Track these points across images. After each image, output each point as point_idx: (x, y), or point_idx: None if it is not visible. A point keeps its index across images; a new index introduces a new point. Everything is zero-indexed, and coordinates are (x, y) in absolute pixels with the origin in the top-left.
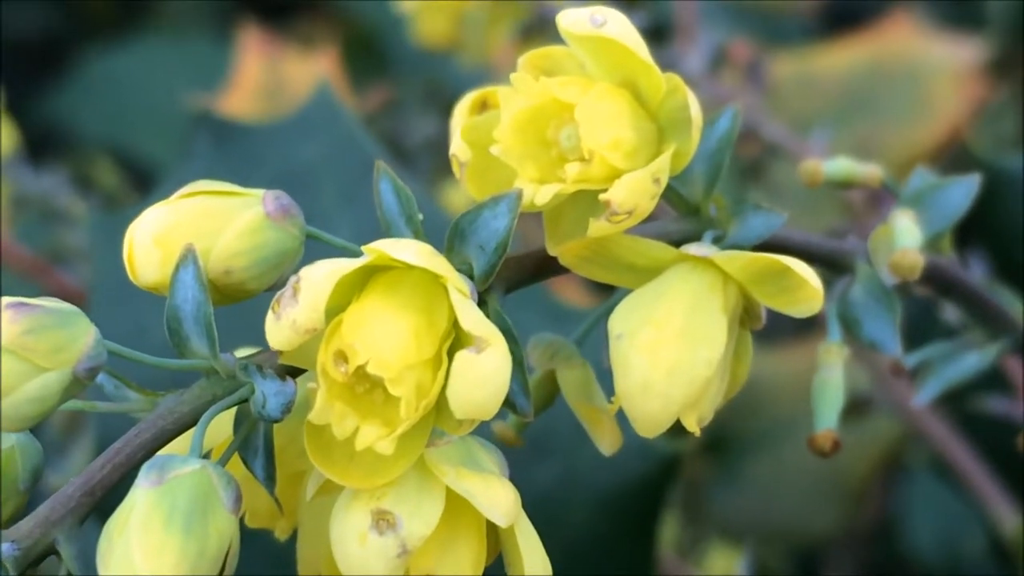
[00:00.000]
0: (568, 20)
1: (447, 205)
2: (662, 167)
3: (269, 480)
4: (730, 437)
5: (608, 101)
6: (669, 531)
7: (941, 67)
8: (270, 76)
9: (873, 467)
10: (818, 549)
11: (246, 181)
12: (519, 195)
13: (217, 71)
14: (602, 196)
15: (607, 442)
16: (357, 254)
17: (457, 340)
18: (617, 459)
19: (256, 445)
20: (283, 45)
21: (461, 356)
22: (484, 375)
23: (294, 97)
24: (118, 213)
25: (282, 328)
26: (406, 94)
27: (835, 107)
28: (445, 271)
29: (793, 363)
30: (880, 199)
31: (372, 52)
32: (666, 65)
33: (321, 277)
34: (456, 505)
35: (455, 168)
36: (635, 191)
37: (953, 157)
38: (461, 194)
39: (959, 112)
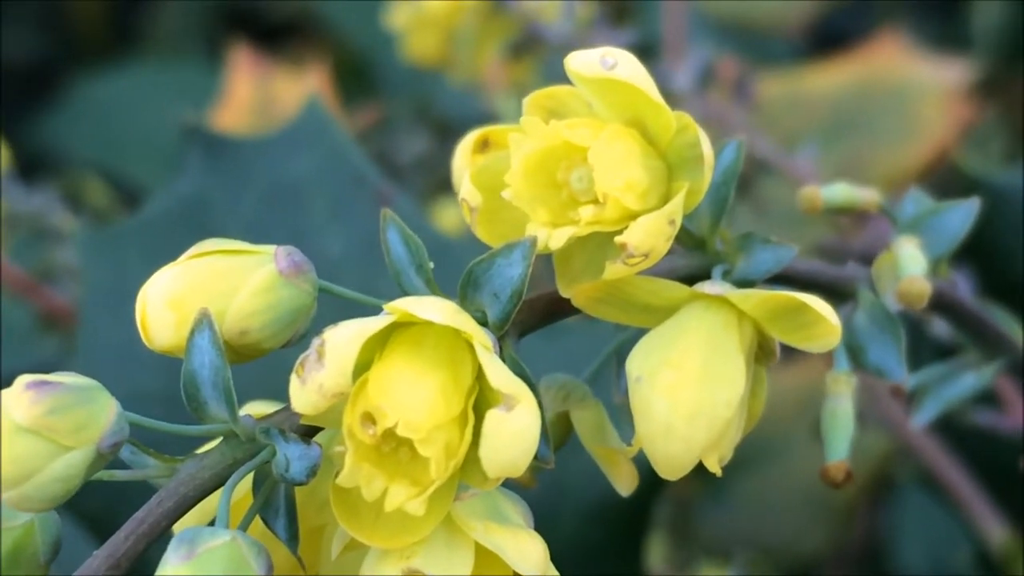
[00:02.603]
0: (578, 63)
1: (438, 224)
2: (676, 208)
3: (292, 540)
4: None
5: (620, 143)
6: (659, 550)
7: (928, 88)
8: (261, 94)
9: (862, 484)
10: (808, 568)
11: (237, 194)
12: (533, 242)
13: (206, 95)
14: (618, 239)
15: (625, 483)
16: (372, 306)
17: (481, 394)
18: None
19: (277, 505)
20: (274, 65)
21: (492, 416)
22: (516, 433)
23: (284, 115)
24: (108, 229)
25: (308, 392)
26: (396, 113)
27: (823, 127)
28: (470, 328)
29: (782, 382)
30: (867, 216)
31: (360, 74)
32: (655, 82)
33: (346, 340)
34: (483, 558)
35: (465, 213)
36: (651, 233)
37: (940, 177)
38: (452, 213)
39: (946, 132)
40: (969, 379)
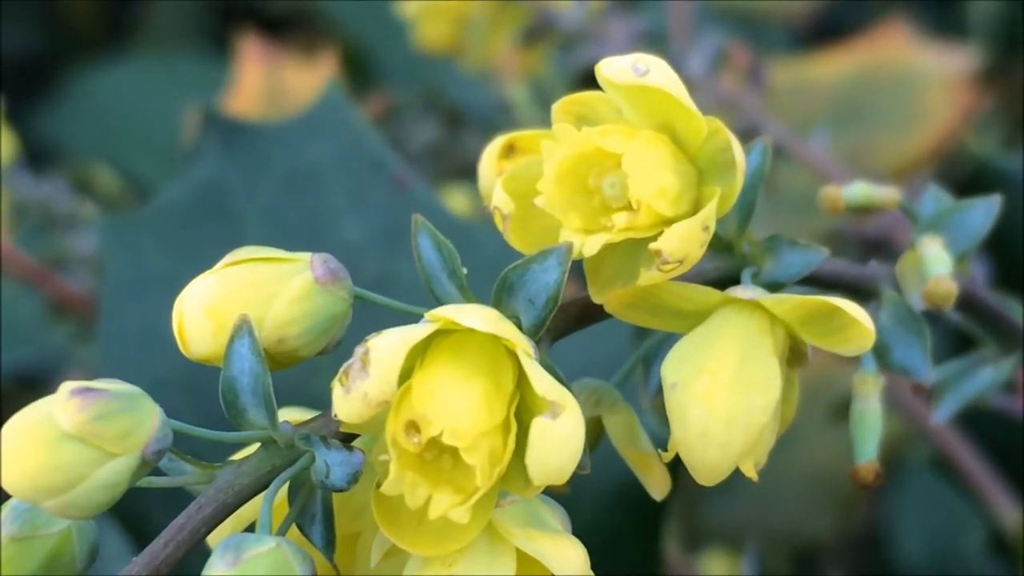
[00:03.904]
0: (610, 70)
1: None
2: (710, 214)
3: (328, 547)
4: None
5: (653, 149)
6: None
7: (932, 76)
8: (270, 84)
9: None
10: (813, 553)
11: (254, 181)
12: (569, 248)
13: (206, 87)
14: (652, 245)
15: (658, 487)
16: (410, 313)
17: (523, 401)
18: (619, 469)
19: (314, 512)
20: (282, 55)
21: (539, 423)
22: (562, 440)
23: (295, 104)
24: (126, 215)
25: (353, 401)
26: (404, 101)
27: (828, 115)
28: (513, 335)
29: None
30: None
31: (367, 66)
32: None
33: (391, 348)
34: (523, 564)
35: (498, 220)
36: (686, 240)
37: (944, 164)
38: (461, 199)
39: (950, 120)
40: (988, 373)
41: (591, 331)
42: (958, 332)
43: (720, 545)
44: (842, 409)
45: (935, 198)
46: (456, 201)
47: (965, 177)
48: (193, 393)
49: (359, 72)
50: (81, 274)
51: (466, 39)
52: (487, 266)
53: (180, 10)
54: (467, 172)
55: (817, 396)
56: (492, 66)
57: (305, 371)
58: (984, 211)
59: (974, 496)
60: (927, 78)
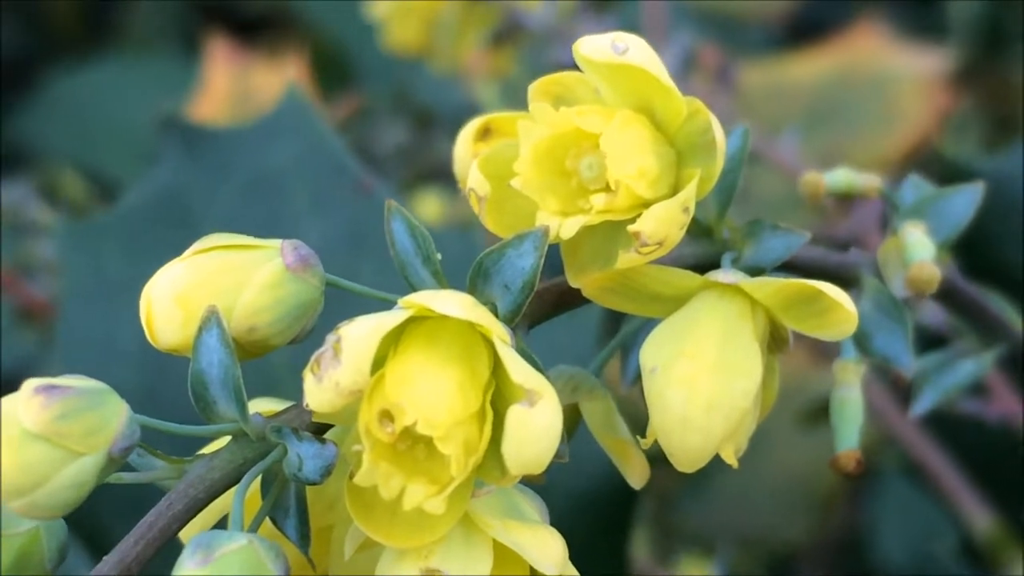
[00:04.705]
0: (588, 48)
1: (419, 215)
2: (690, 195)
3: (303, 540)
4: None
5: (632, 129)
6: (639, 544)
7: (907, 76)
8: (239, 86)
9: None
10: (789, 558)
11: (215, 185)
12: (545, 232)
13: (182, 88)
14: (631, 227)
15: (637, 475)
16: (383, 301)
17: (498, 390)
18: (590, 464)
19: (287, 506)
20: (251, 56)
21: (516, 411)
22: (540, 429)
23: (263, 107)
24: (85, 222)
25: (325, 390)
26: (374, 103)
27: (802, 116)
28: (488, 322)
29: None
30: (851, 203)
31: (336, 66)
32: None
33: (363, 336)
34: (501, 556)
35: (473, 202)
36: (665, 221)
37: (919, 165)
38: (432, 203)
39: (925, 120)
40: (968, 366)
41: (558, 322)
42: (930, 335)
43: (695, 550)
44: (812, 415)
45: (916, 187)
46: (428, 204)
47: (938, 179)
48: (153, 401)
49: (335, 73)
50: (48, 281)
51: (436, 40)
52: (452, 271)
53: (160, 11)
54: (437, 174)
55: (790, 400)
56: (462, 67)
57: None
58: (966, 199)
59: (946, 501)
60: (902, 79)
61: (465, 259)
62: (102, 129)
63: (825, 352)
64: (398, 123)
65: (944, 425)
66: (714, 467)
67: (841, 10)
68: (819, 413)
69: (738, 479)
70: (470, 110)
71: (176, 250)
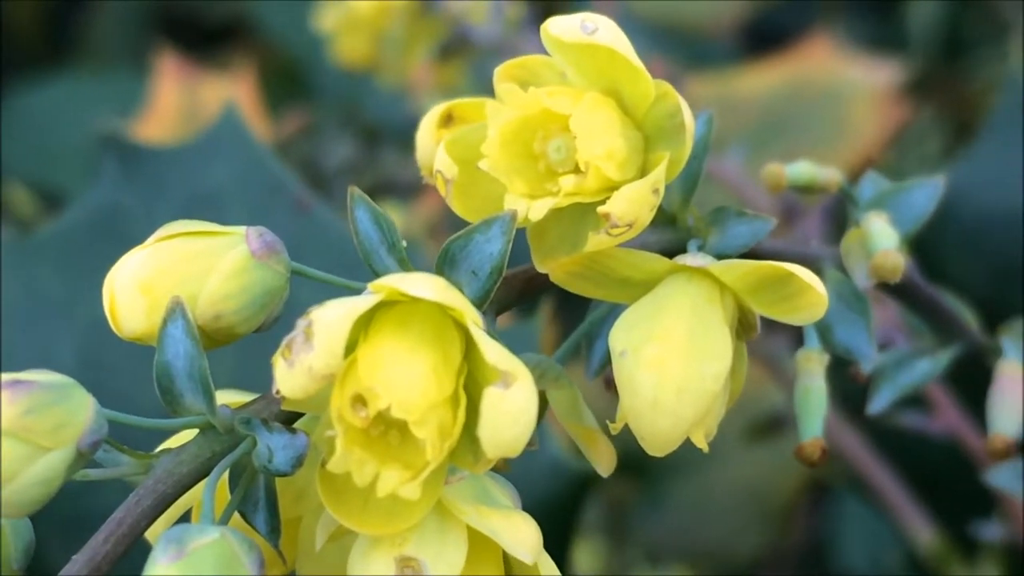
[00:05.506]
0: (558, 28)
1: None
2: (659, 177)
3: (273, 533)
4: (654, 458)
5: (601, 111)
6: (595, 557)
7: (859, 89)
8: (187, 102)
9: (798, 486)
10: (745, 571)
11: (153, 204)
12: (513, 216)
13: (137, 103)
14: (601, 209)
15: (604, 462)
16: (348, 288)
17: (470, 375)
18: (529, 477)
19: (256, 498)
20: (202, 71)
21: (491, 393)
22: (516, 411)
23: (211, 121)
24: (21, 240)
25: (296, 376)
26: (324, 118)
27: (754, 128)
28: (461, 305)
29: None
30: (794, 215)
31: (292, 79)
32: None
33: (335, 319)
34: (474, 543)
35: (440, 185)
36: (635, 202)
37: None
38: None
39: (876, 134)
40: (925, 365)
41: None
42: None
43: (651, 564)
44: (759, 429)
45: (874, 183)
46: None
47: None
48: None
49: (288, 86)
50: None
51: (383, 54)
52: None
53: (120, 26)
54: (385, 188)
55: (744, 412)
56: (409, 81)
57: None
58: (927, 193)
59: (890, 515)
60: (854, 91)
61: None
62: (59, 144)
63: (773, 365)
64: (345, 139)
65: (888, 439)
66: (669, 478)
67: (798, 20)
68: (761, 431)
69: (693, 490)
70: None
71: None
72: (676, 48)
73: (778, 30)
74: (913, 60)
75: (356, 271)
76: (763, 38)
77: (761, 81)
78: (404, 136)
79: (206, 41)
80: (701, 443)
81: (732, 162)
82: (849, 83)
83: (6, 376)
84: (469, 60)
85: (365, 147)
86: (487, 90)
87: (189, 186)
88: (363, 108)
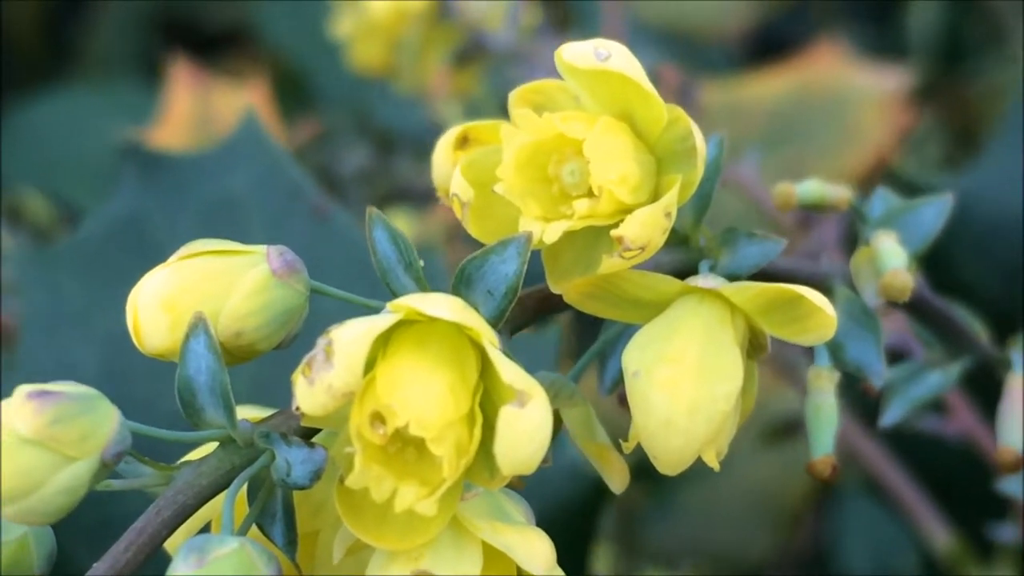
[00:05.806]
0: (571, 54)
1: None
2: (672, 200)
3: (290, 546)
4: None
5: (614, 135)
6: (604, 562)
7: (866, 95)
8: (200, 109)
9: (806, 490)
10: (755, 573)
11: (173, 212)
12: (528, 237)
13: (144, 113)
14: (615, 232)
15: (617, 479)
16: (366, 307)
17: (486, 393)
18: (548, 482)
19: (274, 511)
20: (212, 79)
21: (507, 412)
22: (531, 429)
23: (224, 129)
24: (45, 249)
25: (316, 394)
26: (336, 126)
27: (762, 135)
28: (478, 325)
29: None
30: (810, 221)
31: (301, 87)
32: None
33: (355, 338)
34: (489, 558)
35: (456, 208)
36: (648, 225)
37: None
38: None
39: (884, 139)
40: (935, 378)
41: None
42: (891, 354)
43: (659, 567)
44: (774, 433)
45: (884, 199)
46: (396, 223)
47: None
48: None
49: (297, 94)
50: (12, 303)
51: (399, 61)
52: None
53: (121, 35)
54: (400, 196)
55: (758, 416)
56: (425, 87)
57: None
58: (935, 211)
59: (906, 518)
60: (861, 97)
61: (430, 279)
62: (63, 156)
63: (788, 370)
64: (360, 145)
65: (904, 442)
66: (678, 484)
67: (801, 29)
68: (777, 434)
69: (702, 496)
70: (432, 131)
71: (134, 277)
72: (680, 55)
73: (779, 38)
74: (914, 65)
75: (373, 276)
76: (764, 46)
77: (768, 88)
78: (418, 143)
79: (207, 48)
80: (712, 462)
81: (748, 167)
82: (856, 89)
83: (33, 387)
84: (485, 66)
85: (379, 154)
86: (502, 96)
87: (209, 194)
88: (373, 115)
